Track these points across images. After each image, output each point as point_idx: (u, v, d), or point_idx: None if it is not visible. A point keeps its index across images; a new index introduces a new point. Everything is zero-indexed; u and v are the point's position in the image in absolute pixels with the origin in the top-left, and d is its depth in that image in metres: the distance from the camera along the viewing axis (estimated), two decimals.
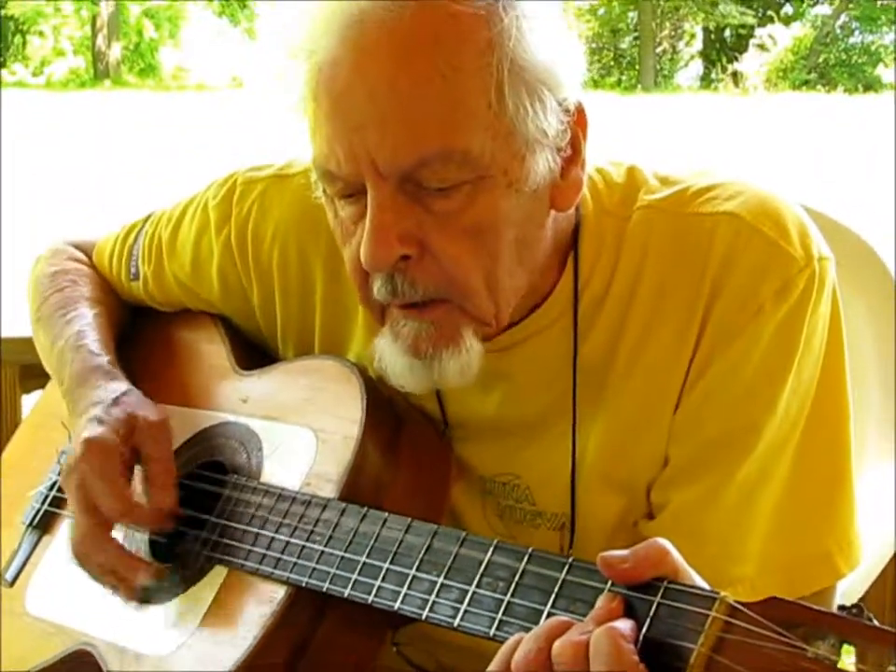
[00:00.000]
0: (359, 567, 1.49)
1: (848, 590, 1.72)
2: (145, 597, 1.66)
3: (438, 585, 1.40)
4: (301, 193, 1.69)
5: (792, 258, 1.53)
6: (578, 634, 1.20)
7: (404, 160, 1.43)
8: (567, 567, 1.30)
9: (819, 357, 1.55)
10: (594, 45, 30.28)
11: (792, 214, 1.57)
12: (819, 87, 27.92)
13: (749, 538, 1.55)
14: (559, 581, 1.29)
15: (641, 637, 1.19)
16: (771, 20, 30.61)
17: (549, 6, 1.50)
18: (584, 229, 1.60)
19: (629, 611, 1.21)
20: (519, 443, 1.66)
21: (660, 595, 1.20)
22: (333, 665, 1.56)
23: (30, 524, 1.95)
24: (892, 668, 1.06)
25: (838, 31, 30.80)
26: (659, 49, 31.87)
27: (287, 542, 1.57)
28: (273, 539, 1.59)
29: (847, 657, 1.10)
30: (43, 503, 1.95)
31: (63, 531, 1.91)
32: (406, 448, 1.64)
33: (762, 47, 29.65)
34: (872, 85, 28.19)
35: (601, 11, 31.29)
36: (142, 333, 2.04)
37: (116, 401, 1.76)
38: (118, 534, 1.70)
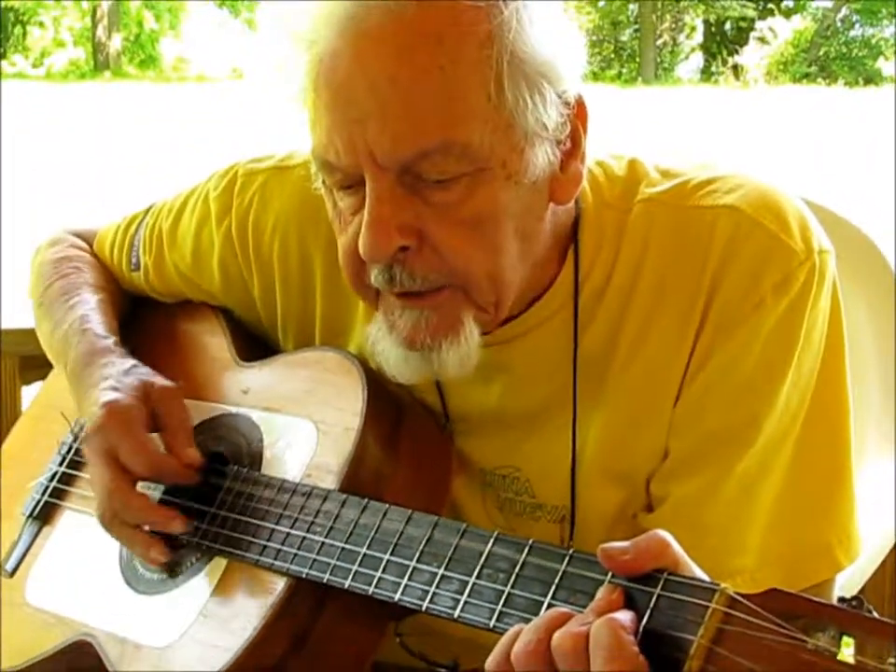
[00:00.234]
0: (360, 558, 1.49)
1: (848, 582, 1.72)
2: (171, 561, 1.67)
3: (438, 576, 1.41)
4: (302, 185, 1.69)
5: (793, 251, 1.53)
6: (578, 625, 1.20)
7: (403, 152, 1.43)
8: (567, 558, 1.30)
9: (819, 351, 1.56)
10: (594, 37, 30.24)
11: (793, 207, 1.57)
12: (819, 80, 27.91)
13: (748, 530, 1.55)
14: (559, 573, 1.30)
15: (641, 629, 1.19)
16: (771, 12, 30.60)
17: None
18: (585, 221, 1.60)
19: (629, 603, 1.21)
20: (519, 436, 1.66)
21: (660, 586, 1.20)
22: (333, 655, 1.56)
23: (30, 514, 1.95)
24: (892, 660, 1.06)
25: (839, 24, 30.79)
26: (659, 42, 31.84)
27: (288, 533, 1.57)
28: (273, 530, 1.59)
29: (847, 649, 1.11)
30: (43, 494, 1.95)
31: (63, 522, 1.92)
32: (407, 440, 1.65)
33: (762, 39, 29.64)
34: (872, 78, 28.18)
35: (601, 3, 31.29)
36: (143, 324, 2.04)
37: (127, 372, 1.78)
38: None
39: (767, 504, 1.55)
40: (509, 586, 1.33)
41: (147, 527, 1.68)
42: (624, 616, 1.19)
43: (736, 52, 29.70)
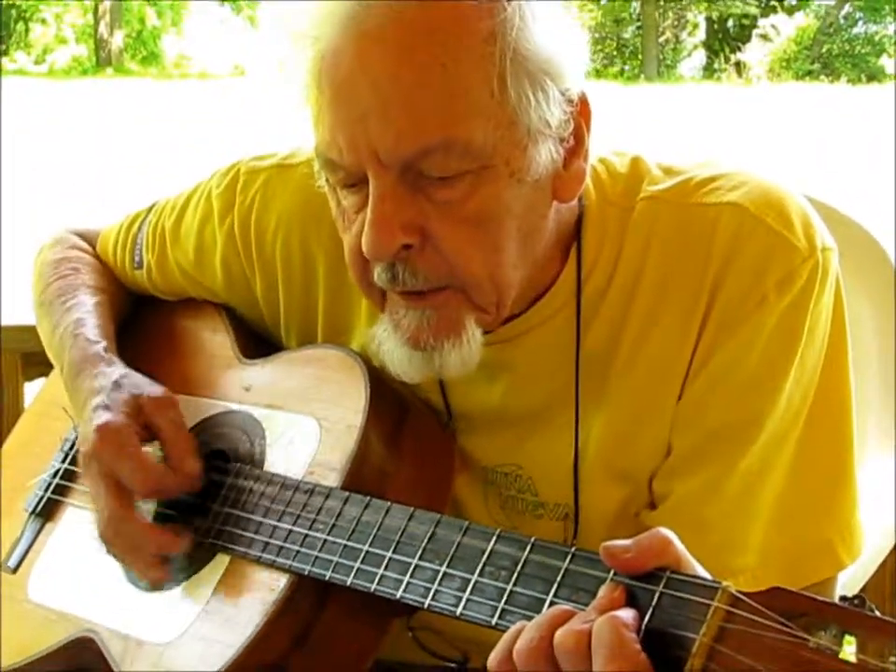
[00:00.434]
0: (362, 555, 1.49)
1: (850, 580, 1.72)
2: (176, 577, 1.67)
3: (440, 574, 1.41)
4: (305, 183, 1.69)
5: (796, 248, 1.53)
6: (580, 623, 1.20)
7: (406, 149, 1.43)
8: (569, 556, 1.30)
9: (821, 348, 1.56)
10: (596, 34, 30.22)
11: (796, 204, 1.57)
12: (822, 77, 27.88)
13: (751, 528, 1.55)
14: (562, 571, 1.30)
15: (643, 627, 1.19)
16: (774, 9, 30.58)
17: None
18: (587, 219, 1.60)
19: (631, 601, 1.21)
20: (522, 434, 1.66)
21: (662, 584, 1.20)
22: (335, 653, 1.56)
23: (32, 511, 1.95)
24: (893, 659, 1.06)
25: (842, 21, 30.76)
26: (662, 39, 31.82)
27: (290, 531, 1.57)
28: (275, 527, 1.59)
29: (849, 647, 1.11)
30: (46, 491, 1.96)
31: (66, 519, 1.92)
32: (409, 438, 1.65)
33: (765, 37, 29.62)
34: (875, 75, 28.14)
35: (604, 1, 31.24)
36: (145, 322, 2.04)
37: (116, 385, 1.77)
38: None
39: (769, 502, 1.55)
40: (511, 584, 1.33)
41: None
42: (626, 614, 1.19)
43: (739, 49, 29.69)
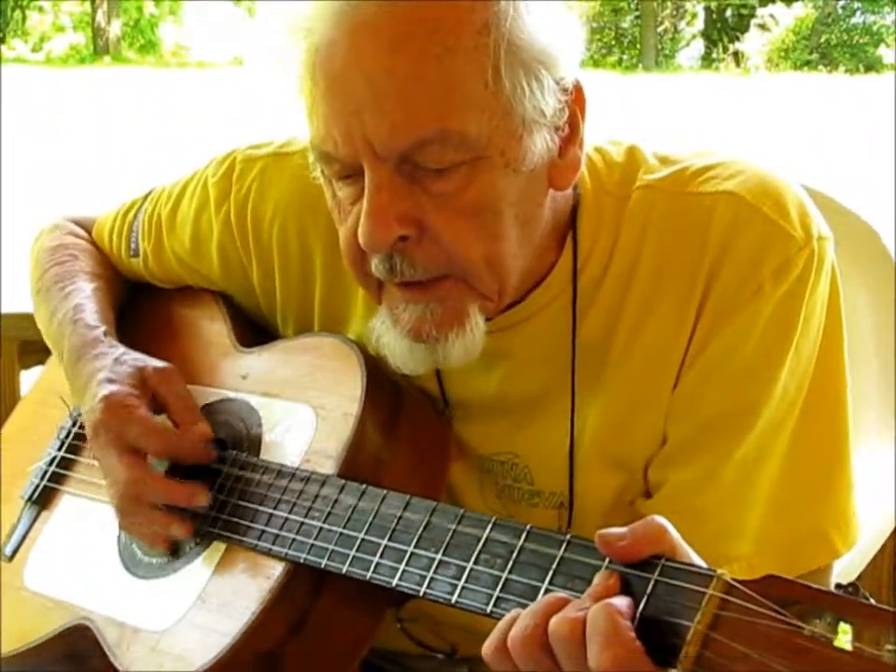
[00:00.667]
0: (358, 543, 1.49)
1: (846, 569, 1.72)
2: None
3: (436, 562, 1.41)
4: (301, 171, 1.69)
5: (792, 237, 1.53)
6: (575, 610, 1.21)
7: (401, 141, 1.43)
8: (564, 544, 1.31)
9: (817, 337, 1.56)
10: (595, 24, 30.16)
11: (792, 193, 1.57)
12: (820, 67, 27.84)
13: (746, 516, 1.55)
14: (557, 558, 1.30)
15: (638, 615, 1.19)
16: None
17: None
18: (583, 208, 1.60)
19: (626, 589, 1.22)
20: (518, 422, 1.66)
21: (657, 572, 1.20)
22: (331, 640, 1.56)
23: (29, 499, 1.95)
24: (889, 647, 1.06)
25: (840, 11, 30.70)
26: (660, 29, 31.76)
27: (286, 518, 1.58)
28: (271, 515, 1.60)
29: (844, 636, 1.11)
30: (42, 478, 1.96)
31: (62, 507, 1.92)
32: (405, 426, 1.65)
33: (763, 27, 29.59)
34: (873, 65, 28.11)
35: None
36: (142, 310, 2.04)
37: (119, 360, 1.78)
38: None
39: (765, 490, 1.55)
40: (506, 572, 1.34)
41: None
42: (621, 602, 1.19)
43: (737, 39, 29.64)
